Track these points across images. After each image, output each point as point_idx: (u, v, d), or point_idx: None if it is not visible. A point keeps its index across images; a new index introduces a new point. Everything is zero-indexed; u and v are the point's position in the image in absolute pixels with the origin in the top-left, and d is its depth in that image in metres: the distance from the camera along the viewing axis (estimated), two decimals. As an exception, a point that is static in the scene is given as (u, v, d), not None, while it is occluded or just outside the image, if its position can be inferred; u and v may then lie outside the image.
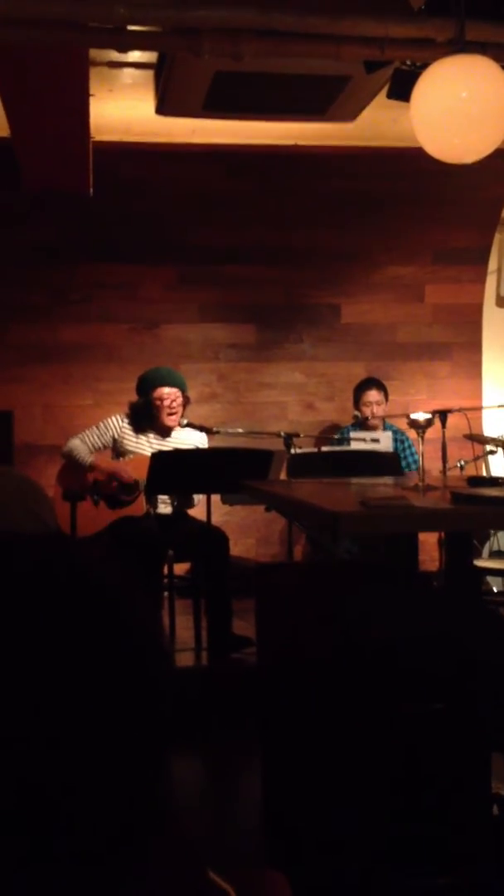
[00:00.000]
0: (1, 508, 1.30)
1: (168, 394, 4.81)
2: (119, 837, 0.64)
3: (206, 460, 4.61)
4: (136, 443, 4.87)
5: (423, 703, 2.38)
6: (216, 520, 4.83)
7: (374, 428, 5.93)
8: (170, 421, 4.83)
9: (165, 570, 4.77)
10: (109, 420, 4.91)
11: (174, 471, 4.46)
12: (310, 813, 2.51)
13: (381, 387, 6.04)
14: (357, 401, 6.03)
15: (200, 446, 4.90)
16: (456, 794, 2.40)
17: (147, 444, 4.86)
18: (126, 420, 4.90)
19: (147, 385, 4.87)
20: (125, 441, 4.86)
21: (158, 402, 4.80)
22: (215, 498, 4.86)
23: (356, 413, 6.03)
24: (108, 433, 4.87)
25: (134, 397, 4.98)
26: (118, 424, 4.88)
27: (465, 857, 2.39)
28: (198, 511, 4.87)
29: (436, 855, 2.37)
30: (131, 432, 4.88)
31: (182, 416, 4.90)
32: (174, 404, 4.82)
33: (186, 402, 4.92)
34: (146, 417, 4.85)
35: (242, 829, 3.07)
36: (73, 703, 0.63)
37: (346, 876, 2.36)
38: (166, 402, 4.80)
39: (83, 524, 4.58)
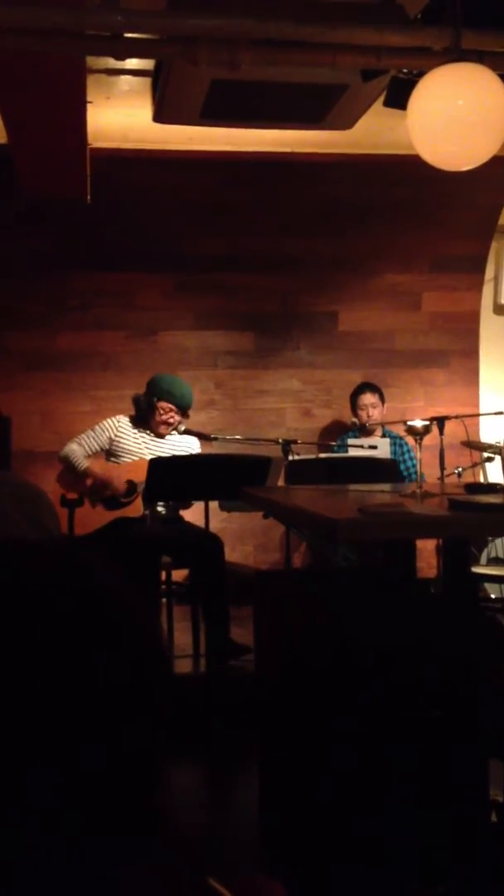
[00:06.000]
0: (1, 515, 1.30)
1: (169, 409, 4.92)
2: (117, 841, 0.65)
3: (204, 467, 4.62)
4: (134, 441, 4.94)
5: (421, 710, 2.38)
6: (214, 526, 4.83)
7: (372, 431, 5.94)
8: (161, 430, 4.95)
9: (163, 576, 4.78)
10: (106, 422, 5.00)
11: (172, 478, 4.48)
12: (307, 820, 2.50)
13: (375, 390, 6.04)
14: (353, 406, 6.04)
15: (192, 450, 4.96)
16: (454, 801, 2.40)
17: (143, 445, 4.92)
18: (126, 418, 4.99)
19: (157, 391, 4.95)
20: (122, 440, 4.93)
21: (160, 412, 4.90)
22: (213, 504, 4.87)
23: (353, 420, 6.04)
24: (105, 434, 4.94)
25: (130, 403, 5.03)
26: (115, 425, 4.97)
27: (464, 864, 2.39)
28: (195, 517, 4.87)
29: (434, 862, 2.37)
30: (129, 429, 4.96)
31: (180, 424, 4.98)
32: (170, 420, 4.93)
33: (185, 418, 5.01)
34: (143, 416, 4.95)
35: (240, 836, 3.06)
36: (71, 707, 0.63)
37: (343, 884, 2.35)
38: (164, 417, 4.92)
39: (81, 522, 4.62)
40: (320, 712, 2.43)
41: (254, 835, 2.96)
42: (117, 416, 5.01)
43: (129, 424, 4.98)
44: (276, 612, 2.89)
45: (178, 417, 4.95)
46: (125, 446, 4.92)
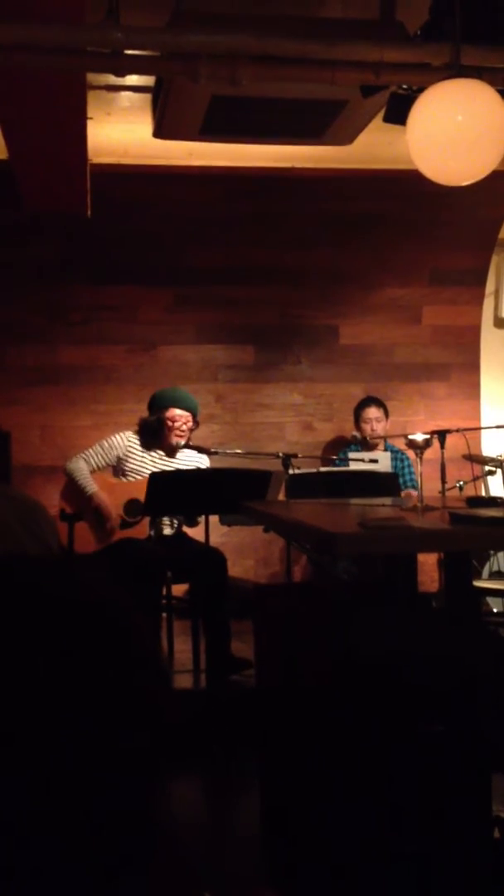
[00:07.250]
0: (2, 529, 1.30)
1: (180, 416, 4.84)
2: (115, 856, 0.64)
3: (205, 481, 4.61)
4: (141, 460, 4.85)
5: (423, 725, 2.37)
6: (215, 540, 4.82)
7: (374, 446, 5.94)
8: (177, 440, 4.84)
9: (164, 591, 4.76)
10: (114, 438, 4.89)
11: (172, 492, 4.46)
12: (307, 833, 2.49)
13: (380, 404, 6.05)
14: (357, 419, 6.04)
15: (202, 468, 4.91)
16: (456, 816, 2.39)
17: (151, 463, 4.85)
18: (135, 436, 4.89)
19: (160, 404, 4.88)
20: (130, 458, 4.84)
21: (169, 423, 4.82)
22: (214, 519, 4.86)
23: (355, 433, 6.04)
24: (113, 452, 4.84)
25: (132, 417, 5.00)
26: (123, 443, 4.86)
27: (466, 880, 2.38)
28: (196, 532, 4.86)
29: (435, 877, 2.36)
30: (138, 449, 4.87)
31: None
32: (184, 427, 4.85)
33: (195, 426, 4.94)
34: (154, 435, 4.85)
35: (240, 849, 3.05)
36: (70, 723, 0.63)
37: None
38: (177, 424, 4.83)
39: (80, 538, 4.57)
40: (321, 726, 2.43)
41: (255, 849, 2.94)
42: (127, 433, 4.90)
43: (139, 444, 4.87)
44: (277, 627, 2.88)
45: (191, 424, 4.87)
46: (133, 465, 4.83)
